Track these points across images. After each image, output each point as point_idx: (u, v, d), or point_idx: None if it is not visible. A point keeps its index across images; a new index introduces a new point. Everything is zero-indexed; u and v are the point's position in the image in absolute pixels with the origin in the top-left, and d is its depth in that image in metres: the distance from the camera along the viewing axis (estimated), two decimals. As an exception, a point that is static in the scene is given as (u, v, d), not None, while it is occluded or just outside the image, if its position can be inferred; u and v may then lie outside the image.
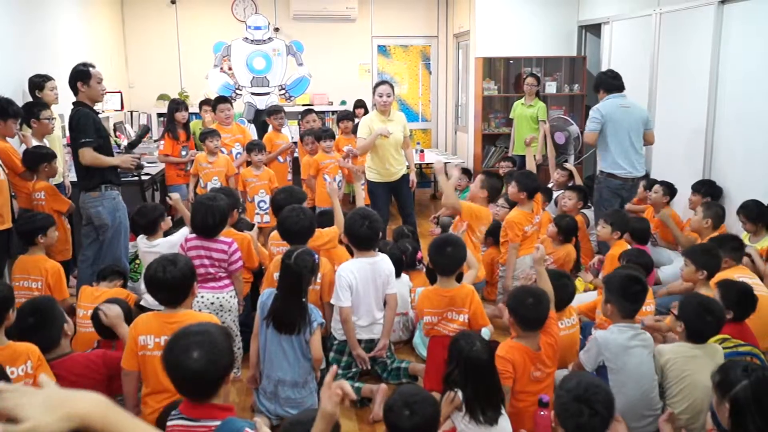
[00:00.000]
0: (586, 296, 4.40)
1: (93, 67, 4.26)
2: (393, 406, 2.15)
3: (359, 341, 3.46)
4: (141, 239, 3.97)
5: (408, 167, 5.47)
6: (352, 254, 3.74)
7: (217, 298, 3.45)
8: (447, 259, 3.27)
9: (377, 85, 5.23)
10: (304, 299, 3.03)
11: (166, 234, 4.04)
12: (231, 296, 3.51)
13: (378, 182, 5.32)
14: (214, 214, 3.47)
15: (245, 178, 5.66)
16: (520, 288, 3.00)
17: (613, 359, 2.80)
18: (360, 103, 7.76)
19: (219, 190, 4.27)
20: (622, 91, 5.10)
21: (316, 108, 7.76)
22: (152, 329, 2.64)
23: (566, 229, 4.65)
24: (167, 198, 4.09)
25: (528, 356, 2.81)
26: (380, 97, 5.13)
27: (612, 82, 5.06)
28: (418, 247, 4.47)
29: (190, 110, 7.94)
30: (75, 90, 4.22)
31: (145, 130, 6.11)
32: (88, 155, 4.14)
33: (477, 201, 4.33)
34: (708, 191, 4.97)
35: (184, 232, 3.92)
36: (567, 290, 3.37)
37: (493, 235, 4.67)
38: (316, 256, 3.14)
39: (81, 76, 4.18)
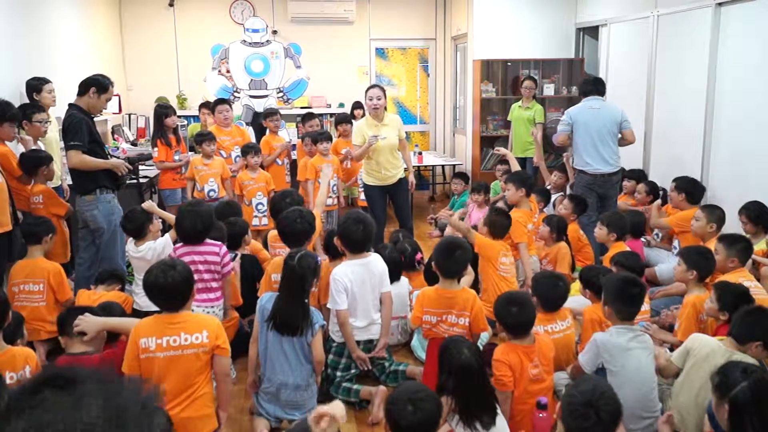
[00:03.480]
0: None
1: (113, 85, 4.39)
2: (396, 401, 2.15)
3: (357, 342, 3.45)
4: (130, 243, 3.97)
5: (406, 169, 5.46)
6: (339, 258, 3.76)
7: (212, 308, 3.48)
8: (454, 263, 3.28)
9: (368, 89, 5.21)
10: (306, 300, 3.04)
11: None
12: (214, 310, 3.55)
13: (374, 186, 5.32)
14: (202, 219, 3.53)
15: (242, 181, 5.65)
16: (505, 295, 3.03)
17: (612, 361, 2.80)
18: (358, 105, 7.76)
19: (226, 205, 4.34)
20: (601, 95, 5.32)
21: (315, 111, 7.75)
22: (154, 331, 2.65)
23: (558, 227, 4.71)
24: (142, 206, 4.09)
25: (524, 353, 2.82)
26: (370, 100, 5.13)
27: (587, 87, 5.37)
28: (418, 248, 4.47)
29: (189, 112, 8.00)
30: (83, 92, 4.24)
31: (147, 157, 6.10)
32: (75, 158, 4.14)
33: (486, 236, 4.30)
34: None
35: (167, 238, 3.93)
36: (558, 291, 3.36)
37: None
38: (318, 258, 3.14)
39: (99, 85, 4.24)
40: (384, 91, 5.23)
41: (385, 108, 5.29)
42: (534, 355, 2.83)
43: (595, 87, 5.34)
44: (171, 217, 4.19)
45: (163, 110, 5.92)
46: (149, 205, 4.17)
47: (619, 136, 5.18)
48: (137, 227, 3.90)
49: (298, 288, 3.01)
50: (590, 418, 2.02)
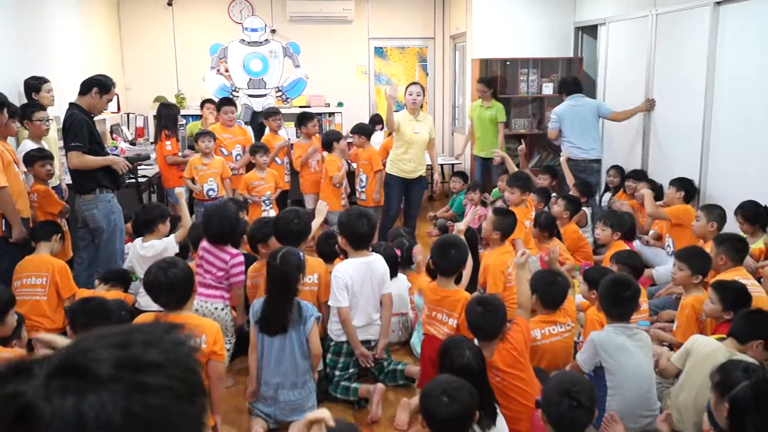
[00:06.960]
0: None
1: (115, 86, 4.41)
2: (430, 394, 2.18)
3: (355, 342, 3.45)
4: (138, 241, 3.96)
5: (432, 167, 5.78)
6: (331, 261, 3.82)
7: (202, 305, 3.48)
8: (448, 261, 3.28)
9: (409, 85, 5.55)
10: (294, 298, 3.01)
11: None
12: (216, 308, 3.57)
13: (395, 176, 5.53)
14: (230, 221, 3.65)
15: (250, 182, 5.68)
16: (476, 297, 3.02)
17: (609, 359, 2.79)
18: (376, 119, 7.85)
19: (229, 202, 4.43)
20: (581, 92, 6.23)
21: (313, 110, 7.74)
22: None
23: (546, 225, 4.74)
24: (168, 199, 4.10)
25: None
26: (410, 95, 5.44)
27: (571, 87, 6.29)
28: (414, 243, 4.48)
29: (188, 111, 8.00)
30: (85, 92, 4.25)
31: (146, 157, 6.13)
32: (76, 159, 4.15)
33: (493, 243, 4.19)
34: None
35: (171, 239, 3.91)
36: (557, 286, 3.32)
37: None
38: (301, 254, 3.12)
39: (101, 86, 4.26)
40: (423, 89, 5.54)
41: (421, 106, 5.57)
42: (491, 367, 2.77)
43: (577, 87, 6.28)
44: (187, 221, 4.16)
45: (177, 110, 6.22)
46: (181, 198, 4.21)
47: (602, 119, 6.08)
48: (146, 221, 3.92)
49: (284, 286, 2.98)
50: (564, 403, 2.10)
